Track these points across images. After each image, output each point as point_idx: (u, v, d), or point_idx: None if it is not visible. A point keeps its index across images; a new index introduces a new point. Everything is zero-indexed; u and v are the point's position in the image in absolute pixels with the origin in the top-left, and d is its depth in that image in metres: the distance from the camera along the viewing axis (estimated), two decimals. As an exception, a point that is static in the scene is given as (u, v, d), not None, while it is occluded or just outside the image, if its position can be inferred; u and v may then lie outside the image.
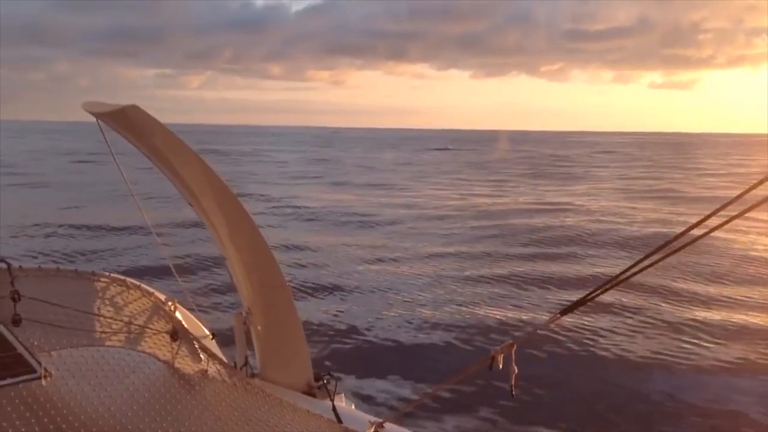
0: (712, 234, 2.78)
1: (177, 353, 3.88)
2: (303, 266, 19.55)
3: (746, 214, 2.57)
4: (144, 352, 3.73)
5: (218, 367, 3.97)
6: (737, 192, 2.59)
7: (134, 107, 3.58)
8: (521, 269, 18.93)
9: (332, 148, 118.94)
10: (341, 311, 14.87)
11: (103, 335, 3.65)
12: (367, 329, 13.51)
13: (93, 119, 4.03)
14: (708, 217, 2.74)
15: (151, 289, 4.25)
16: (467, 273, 18.79)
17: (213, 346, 4.62)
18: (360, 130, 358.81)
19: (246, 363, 4.85)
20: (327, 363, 11.12)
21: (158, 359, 3.77)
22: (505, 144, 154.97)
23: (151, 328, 3.90)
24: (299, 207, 33.81)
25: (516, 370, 3.31)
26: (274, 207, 34.03)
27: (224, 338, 5.10)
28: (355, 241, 24.33)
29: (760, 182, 2.52)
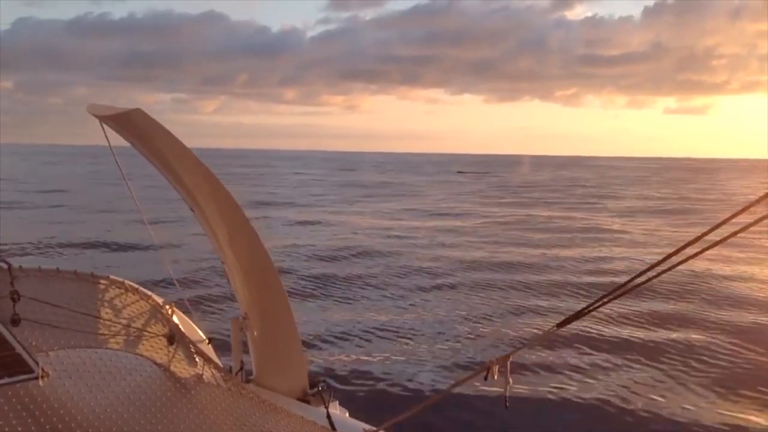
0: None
1: (173, 357, 3.89)
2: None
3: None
4: (141, 355, 3.74)
5: (214, 372, 3.97)
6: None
7: (138, 111, 3.59)
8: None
9: (359, 170, 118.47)
10: (343, 318, 14.89)
11: (101, 337, 3.66)
12: (364, 337, 13.52)
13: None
14: (705, 234, 2.76)
15: (149, 293, 4.26)
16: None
17: (209, 350, 4.63)
18: (375, 155, 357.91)
19: (242, 368, 4.86)
20: (322, 370, 11.13)
21: (155, 362, 3.78)
22: (526, 168, 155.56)
23: (149, 332, 3.92)
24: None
25: (511, 382, 3.33)
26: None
27: (221, 343, 5.11)
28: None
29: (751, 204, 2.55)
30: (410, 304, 16.40)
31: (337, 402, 4.79)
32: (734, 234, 2.66)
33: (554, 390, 10.72)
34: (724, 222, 2.65)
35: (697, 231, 2.84)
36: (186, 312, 4.76)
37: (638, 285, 3.00)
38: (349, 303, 16.49)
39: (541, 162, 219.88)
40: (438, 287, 18.47)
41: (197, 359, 4.01)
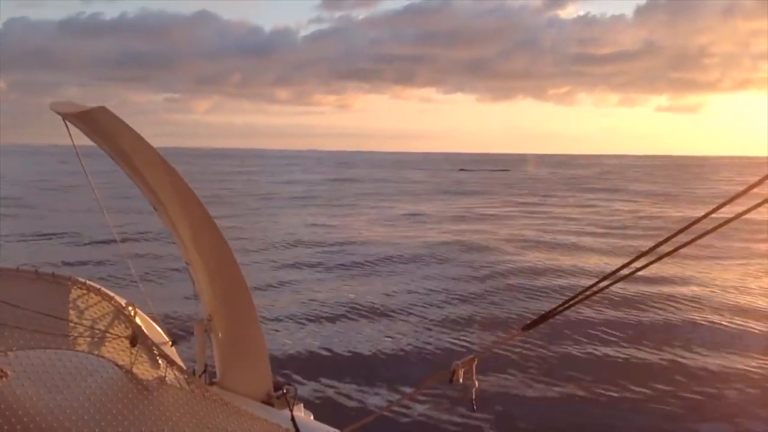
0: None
1: (136, 359, 3.84)
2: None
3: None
4: (102, 356, 3.68)
5: (177, 374, 3.92)
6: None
7: (102, 109, 3.55)
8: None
9: (358, 168, 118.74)
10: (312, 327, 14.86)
11: (62, 338, 3.59)
12: (328, 338, 13.50)
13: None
14: (676, 234, 2.79)
15: (111, 293, 4.20)
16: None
17: (172, 352, 4.57)
18: (369, 154, 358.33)
19: (205, 370, 4.80)
20: (287, 372, 11.08)
21: (116, 364, 3.72)
22: (531, 166, 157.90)
23: (111, 333, 3.85)
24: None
25: (476, 384, 3.33)
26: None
27: (185, 345, 5.06)
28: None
29: (736, 196, 2.58)
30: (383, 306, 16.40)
31: (302, 405, 4.76)
32: (707, 233, 2.69)
33: (521, 389, 10.80)
34: (696, 221, 2.68)
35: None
36: (149, 313, 4.70)
37: (604, 288, 3.03)
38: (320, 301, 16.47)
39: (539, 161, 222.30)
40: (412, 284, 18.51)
41: (160, 361, 3.96)
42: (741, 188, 2.53)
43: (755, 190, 2.53)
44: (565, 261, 23.42)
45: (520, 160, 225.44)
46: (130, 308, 4.19)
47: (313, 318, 15.21)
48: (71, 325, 3.70)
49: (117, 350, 3.78)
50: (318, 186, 71.06)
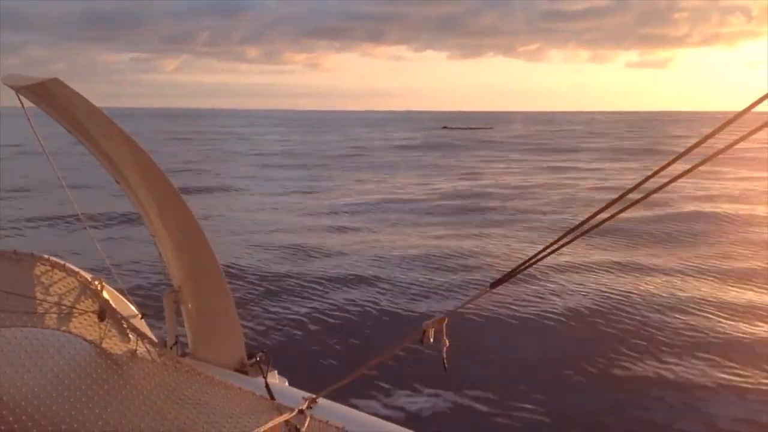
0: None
1: (105, 333, 3.81)
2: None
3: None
4: (70, 332, 3.65)
5: (147, 347, 3.90)
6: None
7: (55, 80, 3.46)
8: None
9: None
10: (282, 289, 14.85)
11: (29, 316, 3.55)
12: (300, 303, 13.52)
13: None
14: (650, 177, 2.80)
15: (76, 268, 4.15)
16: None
17: (142, 325, 4.54)
18: (342, 113, 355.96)
19: (176, 342, 4.79)
20: (261, 339, 11.11)
21: (85, 339, 3.69)
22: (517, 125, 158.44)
23: (78, 309, 3.82)
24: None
25: (447, 344, 3.34)
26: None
27: (155, 317, 5.02)
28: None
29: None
30: (350, 269, 16.44)
31: (276, 371, 4.77)
32: (673, 180, 2.71)
33: (493, 347, 10.95)
34: (663, 168, 2.69)
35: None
36: (117, 287, 4.66)
37: (569, 242, 3.03)
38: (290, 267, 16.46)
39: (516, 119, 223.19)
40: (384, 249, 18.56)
41: (130, 334, 3.94)
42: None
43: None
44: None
45: (494, 118, 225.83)
46: (96, 283, 4.15)
47: (285, 285, 15.21)
48: (36, 302, 3.65)
49: (85, 325, 3.75)
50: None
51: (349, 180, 38.56)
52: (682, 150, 2.59)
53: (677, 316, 12.47)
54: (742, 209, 25.37)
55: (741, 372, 10.01)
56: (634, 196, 2.85)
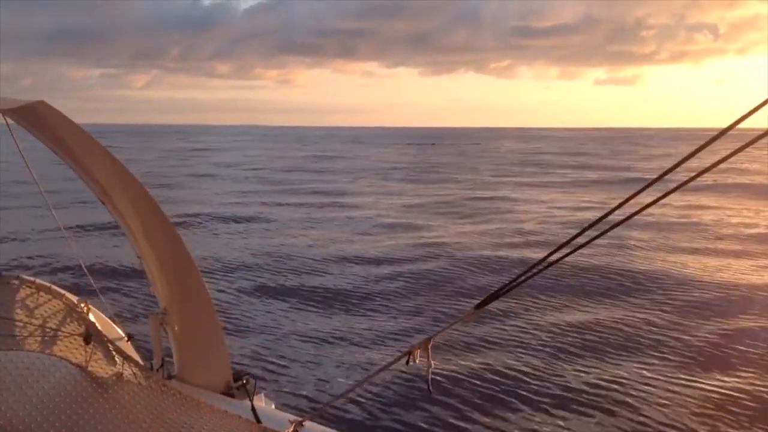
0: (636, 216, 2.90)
1: (90, 356, 3.79)
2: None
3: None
4: (56, 355, 3.63)
5: (134, 370, 3.89)
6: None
7: (42, 103, 3.48)
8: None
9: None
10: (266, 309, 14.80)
11: (13, 339, 3.54)
12: (287, 327, 13.48)
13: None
14: (626, 201, 2.84)
15: (62, 291, 4.14)
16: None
17: (128, 348, 4.53)
18: (314, 129, 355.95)
19: (163, 365, 4.77)
20: (247, 362, 11.05)
21: (71, 363, 3.67)
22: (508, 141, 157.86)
23: (63, 331, 3.80)
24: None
25: (432, 365, 3.37)
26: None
27: (142, 340, 5.01)
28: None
29: (679, 163, 2.64)
30: (339, 293, 16.40)
31: (263, 394, 4.76)
32: (655, 201, 2.75)
33: (476, 369, 10.93)
34: (644, 188, 2.73)
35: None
36: (103, 309, 4.65)
37: (555, 261, 3.07)
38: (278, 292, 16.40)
39: (488, 135, 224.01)
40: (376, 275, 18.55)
41: (116, 357, 3.92)
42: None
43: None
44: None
45: (470, 134, 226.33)
46: (82, 305, 4.14)
47: (273, 306, 15.16)
48: (21, 324, 3.64)
49: (70, 348, 3.73)
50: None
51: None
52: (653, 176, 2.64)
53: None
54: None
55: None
56: (616, 217, 2.90)
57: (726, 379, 10.60)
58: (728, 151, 2.56)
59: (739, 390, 10.12)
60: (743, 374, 10.76)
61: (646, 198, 2.77)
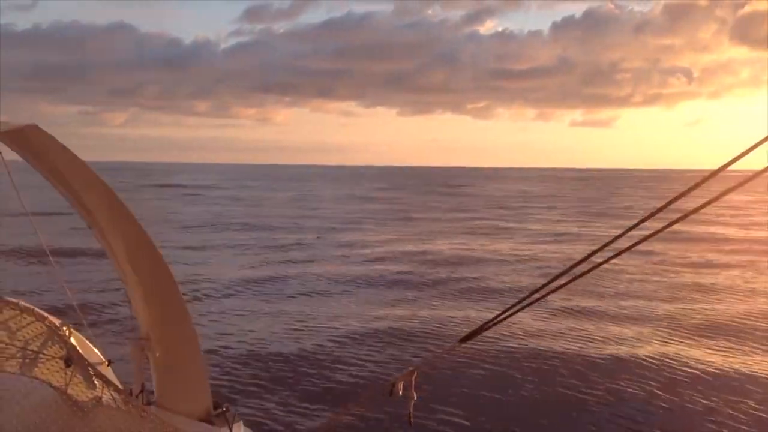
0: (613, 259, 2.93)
1: (71, 380, 3.77)
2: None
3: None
4: (36, 378, 3.61)
5: (113, 394, 3.86)
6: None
7: (34, 127, 3.50)
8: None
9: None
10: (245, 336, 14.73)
11: None
12: (268, 354, 13.39)
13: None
14: (608, 244, 2.88)
15: (45, 314, 4.12)
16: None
17: (109, 372, 4.50)
18: (295, 167, 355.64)
19: (142, 390, 4.73)
20: (226, 389, 10.96)
21: (50, 385, 3.65)
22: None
23: (45, 354, 3.78)
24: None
25: (415, 397, 3.36)
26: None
27: (122, 365, 4.97)
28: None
29: (659, 210, 2.68)
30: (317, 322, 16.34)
31: (242, 422, 4.73)
32: (641, 241, 2.79)
33: (457, 403, 10.88)
34: (628, 230, 2.77)
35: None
36: (84, 333, 4.62)
37: (539, 298, 3.10)
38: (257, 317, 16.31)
39: (463, 174, 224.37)
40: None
41: (96, 381, 3.89)
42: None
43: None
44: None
45: (450, 174, 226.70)
46: (64, 328, 4.11)
47: (254, 336, 15.08)
48: (2, 346, 3.62)
49: (51, 371, 3.71)
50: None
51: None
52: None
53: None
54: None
55: None
56: (598, 258, 2.95)
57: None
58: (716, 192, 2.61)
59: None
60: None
61: (626, 241, 2.82)
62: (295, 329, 15.69)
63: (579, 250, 29.92)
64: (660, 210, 2.70)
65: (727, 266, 26.61)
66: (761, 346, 14.49)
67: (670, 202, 2.70)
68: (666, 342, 14.82)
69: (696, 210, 2.67)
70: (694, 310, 18.22)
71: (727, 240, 35.72)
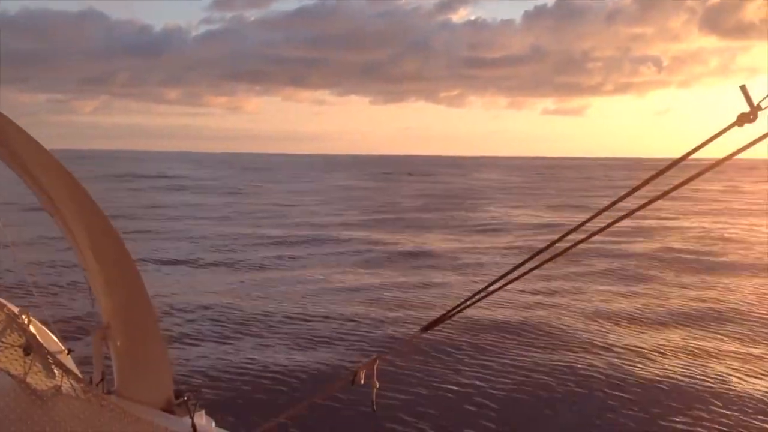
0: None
1: (29, 368, 3.73)
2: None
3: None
4: None
5: (73, 383, 3.83)
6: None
7: None
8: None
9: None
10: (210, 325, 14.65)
11: None
12: (232, 344, 13.35)
13: None
14: (575, 229, 2.92)
15: (3, 301, 4.07)
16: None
17: (69, 361, 4.46)
18: (267, 156, 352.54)
19: (102, 379, 4.69)
20: (189, 378, 10.90)
21: (9, 374, 3.60)
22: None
23: (3, 342, 3.73)
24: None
25: (377, 385, 3.39)
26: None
27: (82, 354, 4.93)
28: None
29: (625, 196, 2.72)
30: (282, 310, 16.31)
31: (204, 411, 4.71)
32: (610, 225, 2.83)
33: (421, 389, 10.96)
34: (588, 221, 2.81)
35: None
36: (44, 321, 4.57)
37: (500, 287, 3.14)
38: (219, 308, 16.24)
39: (438, 163, 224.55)
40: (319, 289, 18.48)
41: (55, 370, 3.86)
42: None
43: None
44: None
45: (427, 162, 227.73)
46: (23, 316, 4.06)
47: (217, 324, 15.02)
48: None
49: (10, 360, 3.66)
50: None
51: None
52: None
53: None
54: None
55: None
56: (563, 244, 2.98)
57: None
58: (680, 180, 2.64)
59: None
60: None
61: (595, 224, 2.85)
62: (256, 318, 15.66)
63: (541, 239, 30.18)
64: (619, 200, 2.73)
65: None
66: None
67: (629, 193, 2.74)
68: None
69: (655, 199, 2.70)
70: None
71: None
